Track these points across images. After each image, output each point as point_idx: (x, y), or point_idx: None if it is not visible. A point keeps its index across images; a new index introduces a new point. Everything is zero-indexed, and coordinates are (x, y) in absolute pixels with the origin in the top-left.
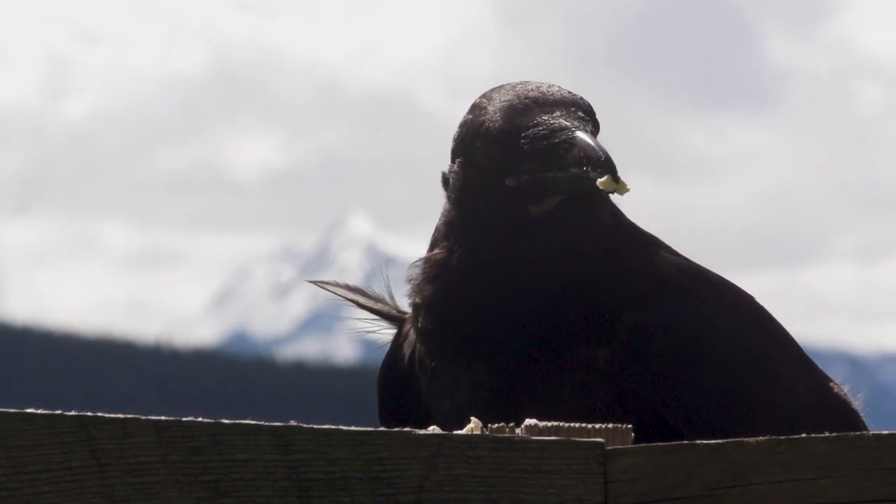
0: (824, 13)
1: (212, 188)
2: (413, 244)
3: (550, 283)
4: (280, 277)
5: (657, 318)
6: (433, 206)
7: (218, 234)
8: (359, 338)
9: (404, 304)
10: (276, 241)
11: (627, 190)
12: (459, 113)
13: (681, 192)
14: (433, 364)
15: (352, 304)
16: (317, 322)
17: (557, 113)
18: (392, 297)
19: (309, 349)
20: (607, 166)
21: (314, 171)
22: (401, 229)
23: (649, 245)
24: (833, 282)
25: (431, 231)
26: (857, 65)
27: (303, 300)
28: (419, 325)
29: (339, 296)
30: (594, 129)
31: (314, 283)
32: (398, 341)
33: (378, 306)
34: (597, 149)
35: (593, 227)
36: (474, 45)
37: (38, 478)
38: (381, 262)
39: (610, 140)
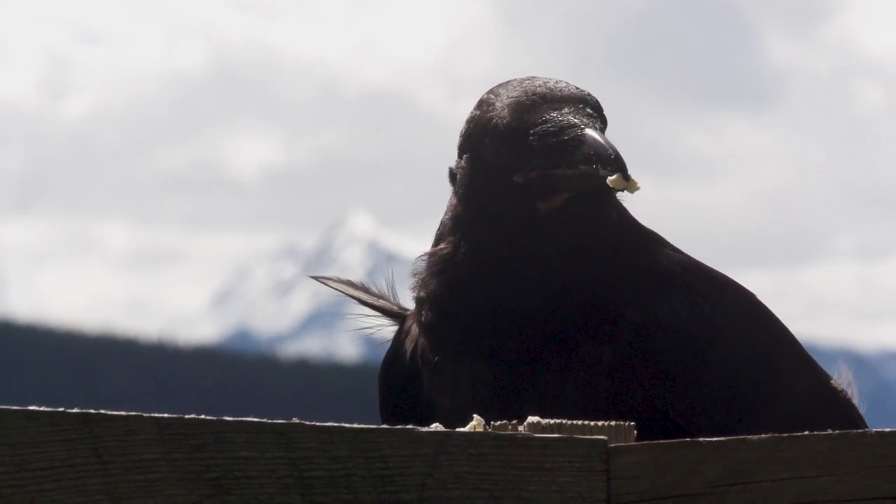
0: (824, 13)
1: (212, 187)
2: (414, 242)
3: (556, 280)
4: (282, 275)
5: (660, 316)
6: (434, 204)
7: (219, 233)
8: (361, 335)
9: (406, 300)
10: (277, 240)
11: (638, 188)
12: (459, 112)
13: (682, 192)
14: (436, 360)
15: (353, 300)
16: (319, 319)
17: (566, 109)
18: (394, 294)
19: (311, 347)
20: (617, 164)
21: (314, 170)
22: (402, 227)
23: (653, 242)
24: (834, 281)
25: (433, 229)
26: (857, 65)
27: (305, 298)
28: (423, 320)
29: (340, 292)
30: (602, 125)
31: (315, 278)
32: (400, 337)
33: (380, 303)
34: (606, 146)
35: (601, 225)
36: (474, 44)
37: (42, 475)
38: (383, 259)
39: (608, 133)
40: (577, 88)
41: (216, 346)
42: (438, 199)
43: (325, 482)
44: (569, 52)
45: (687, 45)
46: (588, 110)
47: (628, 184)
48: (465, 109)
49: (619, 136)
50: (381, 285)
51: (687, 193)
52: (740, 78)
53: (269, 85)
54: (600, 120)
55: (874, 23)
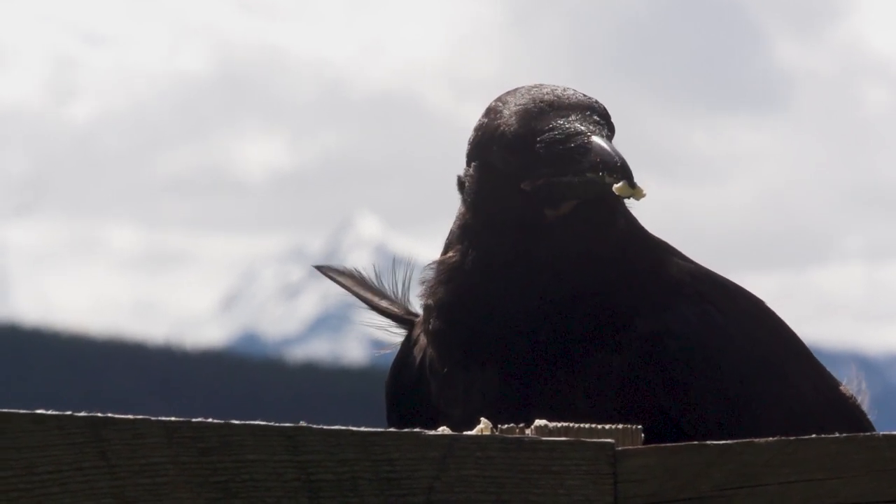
0: (831, 14)
1: (218, 189)
2: (422, 244)
3: (565, 288)
4: (289, 278)
5: (671, 325)
6: (440, 206)
7: (225, 235)
8: (368, 337)
9: (414, 304)
10: (284, 242)
11: (644, 195)
12: (464, 114)
13: (687, 193)
14: (445, 370)
15: (359, 300)
16: (326, 323)
17: (573, 117)
18: (403, 296)
19: (318, 350)
20: (623, 171)
21: (320, 171)
22: (409, 230)
23: (662, 250)
24: (842, 283)
25: (440, 231)
26: (864, 66)
27: (312, 301)
28: (431, 328)
29: (346, 287)
30: (609, 132)
31: (319, 268)
32: (408, 345)
33: (383, 304)
34: (612, 154)
35: (608, 232)
36: (478, 45)
37: (49, 479)
38: (391, 262)
39: (615, 140)
40: (584, 96)
41: (223, 349)
42: (443, 202)
43: (333, 485)
44: (573, 52)
45: (691, 45)
46: (595, 118)
47: (634, 191)
48: (469, 110)
49: (623, 136)
50: (388, 284)
51: (692, 195)
52: (745, 79)
53: (273, 86)
54: (607, 127)
55: (881, 23)
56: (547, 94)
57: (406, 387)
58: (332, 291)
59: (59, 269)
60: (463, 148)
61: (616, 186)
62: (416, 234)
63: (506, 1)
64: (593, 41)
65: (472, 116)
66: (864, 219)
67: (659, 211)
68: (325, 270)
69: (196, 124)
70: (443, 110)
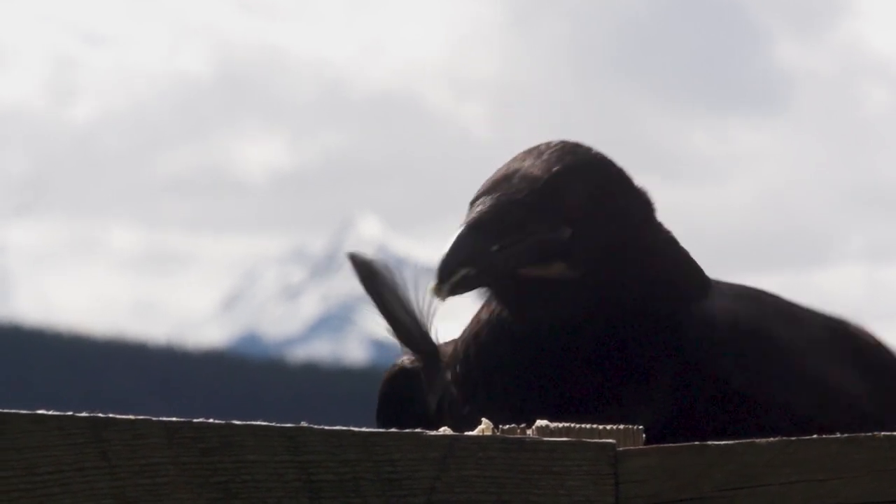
0: (831, 14)
1: (218, 189)
2: (423, 246)
3: (589, 341)
4: (290, 279)
5: (702, 380)
6: (440, 206)
7: (226, 236)
8: (369, 338)
9: (435, 329)
10: (285, 243)
11: (443, 299)
12: (464, 114)
13: (688, 194)
14: (466, 410)
15: (377, 309)
16: (327, 323)
17: (489, 198)
18: (429, 317)
19: (319, 350)
20: (437, 273)
21: (321, 172)
22: (410, 230)
23: (695, 285)
24: (842, 283)
25: (441, 232)
26: (864, 66)
27: (313, 301)
28: (458, 370)
29: (367, 292)
30: (548, 214)
31: (352, 256)
32: (421, 376)
33: (408, 320)
34: (445, 252)
35: (550, 299)
36: (479, 45)
37: (50, 479)
38: (393, 264)
39: (616, 141)
40: (541, 168)
41: (224, 349)
42: (444, 202)
43: (334, 486)
44: (573, 52)
45: (691, 45)
46: (518, 197)
47: (438, 292)
48: (469, 111)
49: (623, 136)
50: (415, 297)
51: (692, 195)
52: (745, 79)
53: (273, 86)
54: (537, 210)
55: (881, 23)
56: (506, 167)
57: (412, 415)
58: (333, 292)
59: (59, 269)
60: (462, 148)
61: (430, 286)
62: (418, 235)
63: (506, 1)
64: (593, 41)
65: (472, 116)
66: (864, 219)
67: (658, 211)
68: (357, 261)
69: (196, 124)
70: (443, 110)
